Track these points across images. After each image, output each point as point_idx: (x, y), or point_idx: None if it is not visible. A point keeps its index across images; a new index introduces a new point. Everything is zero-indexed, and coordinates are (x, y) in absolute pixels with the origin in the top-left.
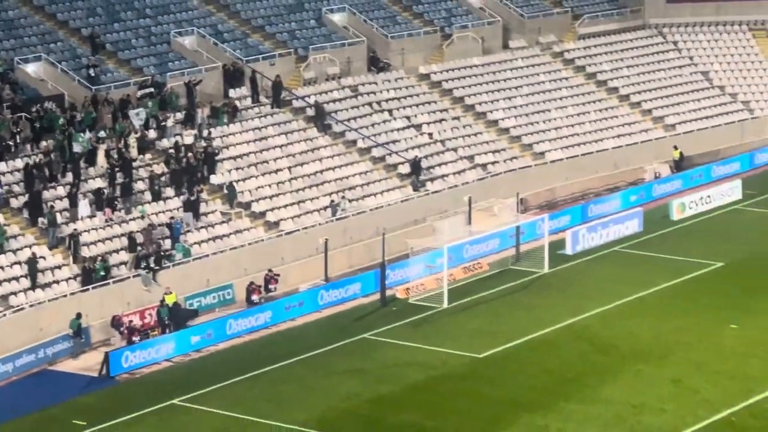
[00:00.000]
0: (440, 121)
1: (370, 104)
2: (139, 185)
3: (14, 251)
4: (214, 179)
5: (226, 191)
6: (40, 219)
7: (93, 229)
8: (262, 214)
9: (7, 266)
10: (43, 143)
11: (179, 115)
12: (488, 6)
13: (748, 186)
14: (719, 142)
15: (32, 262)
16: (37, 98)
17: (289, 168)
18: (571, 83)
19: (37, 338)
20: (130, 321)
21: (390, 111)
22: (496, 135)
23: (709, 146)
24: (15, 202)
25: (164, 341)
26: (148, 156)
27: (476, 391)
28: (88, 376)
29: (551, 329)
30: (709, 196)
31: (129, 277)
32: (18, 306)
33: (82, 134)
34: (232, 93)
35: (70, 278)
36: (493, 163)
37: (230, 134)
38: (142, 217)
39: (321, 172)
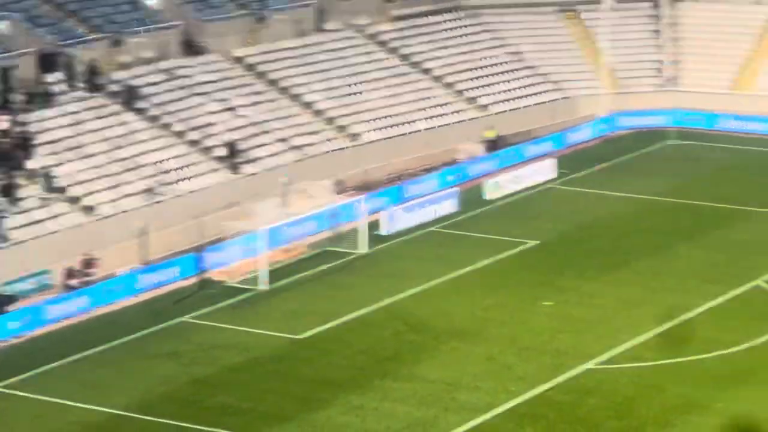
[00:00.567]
0: (256, 104)
1: (185, 87)
2: None
3: None
4: (31, 164)
5: (42, 176)
6: None
7: None
8: (79, 198)
9: None
10: None
11: None
12: None
13: (561, 165)
14: (532, 122)
15: None
16: None
17: (106, 152)
18: (385, 65)
19: None
20: None
21: (205, 94)
22: (312, 117)
23: (523, 126)
24: None
25: None
26: None
27: (294, 371)
28: None
29: (368, 309)
30: (522, 176)
31: None
32: None
33: None
34: (47, 78)
35: None
36: (309, 145)
37: (46, 119)
38: None
39: (137, 156)
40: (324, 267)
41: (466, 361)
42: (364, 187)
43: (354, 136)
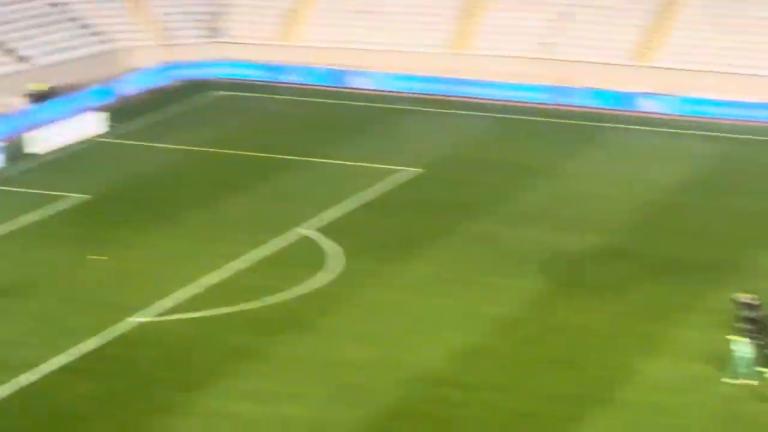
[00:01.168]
0: None
1: None
2: None
3: None
4: None
5: None
6: None
7: None
8: None
9: None
10: None
11: None
12: None
13: (110, 118)
14: (79, 75)
15: None
16: None
17: None
18: None
19: None
20: None
21: None
22: None
23: (70, 79)
24: None
25: None
26: None
27: None
28: None
29: None
30: (69, 129)
31: None
32: None
33: None
34: None
35: None
36: None
37: None
38: None
39: None
40: None
41: (16, 318)
42: None
43: None
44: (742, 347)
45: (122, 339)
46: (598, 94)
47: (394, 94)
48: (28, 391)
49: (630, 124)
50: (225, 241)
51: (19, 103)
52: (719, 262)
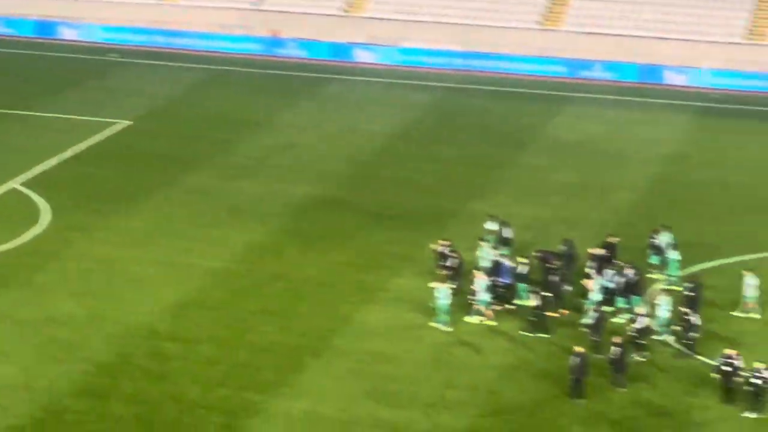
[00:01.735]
0: None
1: None
2: None
3: None
4: None
5: None
6: None
7: None
8: None
9: None
10: None
11: None
12: None
13: None
14: None
15: None
16: None
17: None
18: None
19: None
20: None
21: None
22: None
23: None
24: None
25: None
26: None
27: None
28: None
29: None
30: None
31: None
32: None
33: None
34: None
35: None
36: None
37: None
38: None
39: None
40: None
41: None
42: None
43: None
44: (442, 294)
45: None
46: (313, 45)
47: (105, 45)
48: None
49: (346, 75)
50: None
51: None
52: (433, 210)
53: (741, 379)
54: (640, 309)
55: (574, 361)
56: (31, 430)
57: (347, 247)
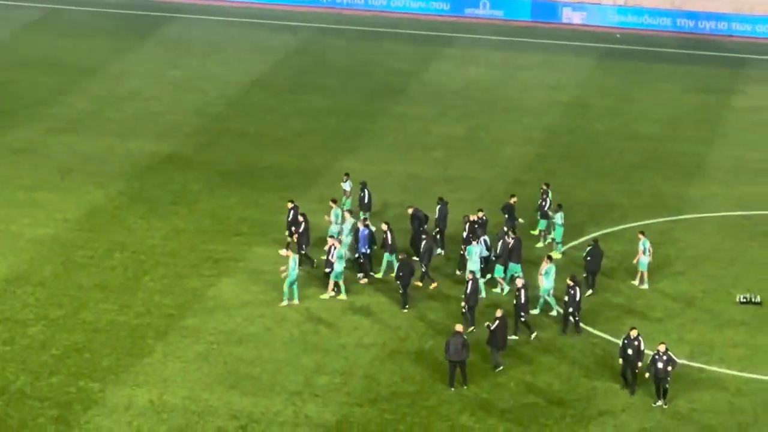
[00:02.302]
0: None
1: None
2: None
3: None
4: None
5: None
6: None
7: None
8: None
9: None
10: None
11: None
12: None
13: None
14: None
15: None
16: None
17: None
18: None
19: None
20: None
21: None
22: None
23: None
24: None
25: None
26: None
27: None
28: None
29: None
30: None
31: None
32: None
33: None
34: None
35: None
36: None
37: None
38: None
39: None
40: None
41: None
42: None
43: None
44: (291, 265)
45: None
46: None
47: None
48: None
49: (195, 14)
50: None
51: None
52: (297, 169)
53: (642, 363)
54: (521, 279)
55: (454, 342)
56: None
57: (196, 212)
